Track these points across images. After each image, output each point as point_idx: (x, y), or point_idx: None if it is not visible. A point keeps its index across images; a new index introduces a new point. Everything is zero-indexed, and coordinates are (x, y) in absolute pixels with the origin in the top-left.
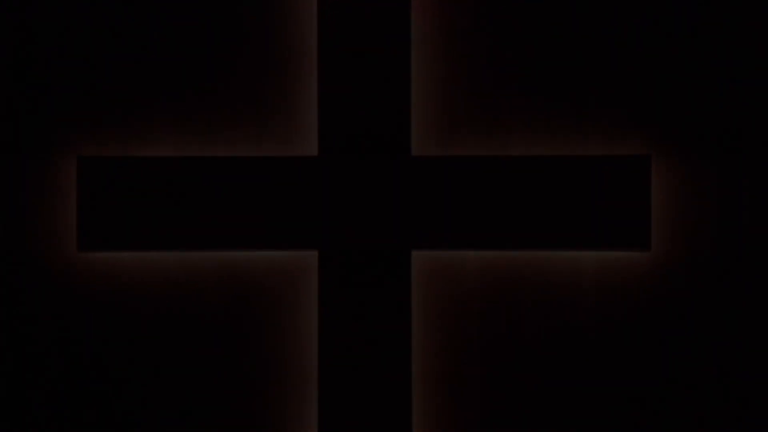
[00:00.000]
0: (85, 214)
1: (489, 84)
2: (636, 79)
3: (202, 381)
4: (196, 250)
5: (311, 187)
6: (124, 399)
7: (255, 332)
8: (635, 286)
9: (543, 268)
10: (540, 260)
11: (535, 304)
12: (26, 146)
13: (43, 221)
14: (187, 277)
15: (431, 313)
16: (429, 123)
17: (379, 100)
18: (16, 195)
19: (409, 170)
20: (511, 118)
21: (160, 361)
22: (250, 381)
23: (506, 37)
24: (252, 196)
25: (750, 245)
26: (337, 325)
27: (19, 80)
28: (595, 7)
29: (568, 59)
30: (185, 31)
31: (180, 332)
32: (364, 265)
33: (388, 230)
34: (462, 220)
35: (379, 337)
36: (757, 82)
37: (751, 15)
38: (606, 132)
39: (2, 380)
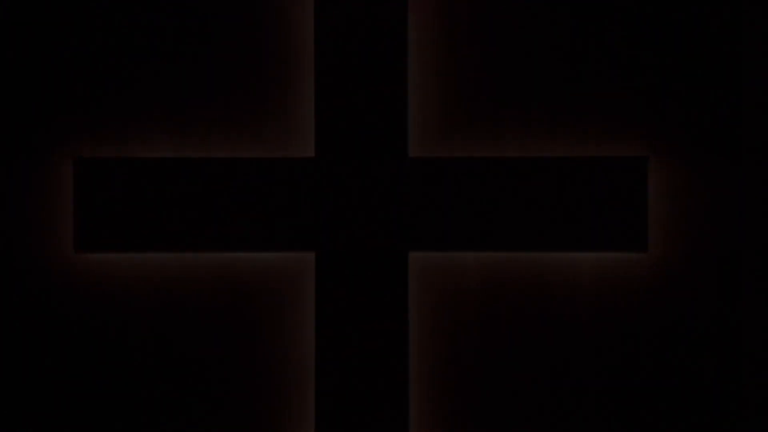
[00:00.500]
0: (82, 215)
1: (486, 85)
2: (633, 81)
3: (199, 382)
4: (192, 251)
5: (308, 189)
6: (121, 399)
7: (252, 333)
8: (633, 288)
9: (540, 270)
10: (537, 261)
11: (532, 305)
12: (23, 147)
13: (39, 222)
14: (183, 278)
15: (428, 314)
16: (426, 124)
17: (376, 101)
18: (12, 196)
19: (406, 171)
20: (508, 119)
21: (158, 361)
22: (247, 381)
23: (504, 38)
24: (249, 197)
25: (748, 246)
26: (334, 326)
27: (15, 81)
28: (592, 8)
29: (565, 61)
30: (182, 33)
31: (177, 333)
32: (361, 266)
33: (386, 231)
34: (459, 222)
35: (377, 338)
36: (756, 82)
37: (750, 15)
38: (603, 133)
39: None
